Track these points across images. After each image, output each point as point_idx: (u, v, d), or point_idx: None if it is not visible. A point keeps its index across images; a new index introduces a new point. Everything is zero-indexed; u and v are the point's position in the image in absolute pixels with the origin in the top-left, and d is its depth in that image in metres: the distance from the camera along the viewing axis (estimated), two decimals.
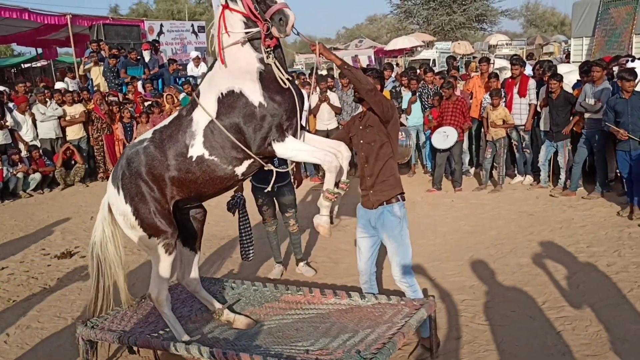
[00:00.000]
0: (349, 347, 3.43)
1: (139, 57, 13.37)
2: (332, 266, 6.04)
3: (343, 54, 25.44)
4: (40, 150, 10.90)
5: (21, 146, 10.81)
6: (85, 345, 3.98)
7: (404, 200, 4.03)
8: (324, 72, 15.40)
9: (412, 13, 39.13)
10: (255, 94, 3.49)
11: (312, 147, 3.67)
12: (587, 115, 7.66)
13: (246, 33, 3.49)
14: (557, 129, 8.06)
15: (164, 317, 3.96)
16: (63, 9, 25.82)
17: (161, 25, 18.45)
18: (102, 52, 13.68)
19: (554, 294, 4.93)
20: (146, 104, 11.82)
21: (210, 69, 3.80)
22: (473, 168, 10.00)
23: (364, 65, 21.25)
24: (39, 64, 21.81)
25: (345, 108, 9.98)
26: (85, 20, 16.23)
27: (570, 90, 8.39)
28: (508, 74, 9.46)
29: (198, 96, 3.72)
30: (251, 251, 5.01)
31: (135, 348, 4.18)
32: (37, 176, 10.74)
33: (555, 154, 8.28)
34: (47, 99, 11.26)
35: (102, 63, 13.30)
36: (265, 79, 3.53)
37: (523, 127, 8.67)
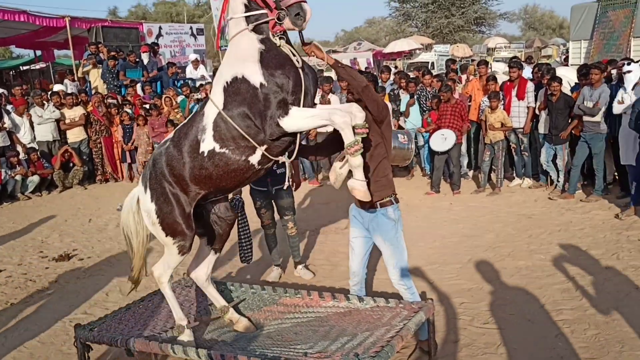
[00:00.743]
0: (347, 350, 3.43)
1: (137, 60, 13.38)
2: (331, 269, 6.04)
3: (342, 56, 25.49)
4: (39, 153, 10.90)
5: (19, 148, 10.80)
6: (83, 348, 3.98)
7: (397, 202, 4.01)
8: (330, 73, 14.79)
9: (411, 16, 39.28)
10: (255, 75, 3.40)
11: (318, 111, 3.48)
12: (585, 118, 7.67)
13: (247, 17, 3.45)
14: (557, 132, 8.07)
15: (164, 294, 4.05)
16: (62, 12, 25.86)
17: (160, 28, 18.48)
18: (101, 55, 13.68)
19: (553, 297, 4.93)
20: (145, 106, 11.82)
21: None
22: (471, 171, 10.01)
23: (362, 69, 21.28)
24: (37, 67, 21.80)
25: None
26: (84, 22, 16.22)
27: (569, 93, 8.41)
28: (502, 77, 9.47)
29: (210, 91, 3.74)
30: (250, 253, 5.01)
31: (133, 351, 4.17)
32: (35, 179, 10.73)
33: (554, 156, 8.29)
34: (44, 102, 11.24)
35: (100, 65, 13.31)
36: (266, 57, 3.42)
37: (521, 130, 8.68)
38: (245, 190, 5.14)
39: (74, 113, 11.42)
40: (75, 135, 11.44)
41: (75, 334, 4.01)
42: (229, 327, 4.18)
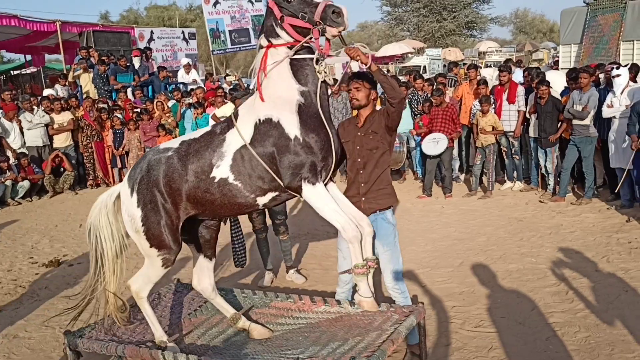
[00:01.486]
0: (338, 355, 3.42)
1: (128, 64, 13.34)
2: (323, 273, 6.03)
3: (334, 60, 25.48)
4: (29, 158, 10.83)
5: (9, 154, 10.72)
6: (73, 354, 3.94)
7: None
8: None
9: (403, 20, 39.43)
10: (292, 127, 3.39)
11: (338, 208, 3.50)
12: (575, 121, 7.72)
13: (289, 48, 3.43)
14: (546, 135, 8.12)
15: (142, 310, 3.88)
16: (53, 16, 25.76)
17: (151, 32, 18.43)
18: (92, 59, 13.63)
19: (543, 300, 4.95)
20: (136, 110, 11.79)
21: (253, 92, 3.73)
22: (463, 174, 10.04)
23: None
24: (28, 71, 21.68)
25: (336, 115, 9.99)
26: (75, 27, 16.16)
27: (558, 97, 8.47)
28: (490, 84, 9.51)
29: (236, 118, 3.62)
30: (244, 257, 5.01)
31: (123, 358, 4.13)
32: (25, 184, 10.65)
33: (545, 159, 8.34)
34: (33, 107, 11.16)
35: (91, 70, 13.26)
36: (304, 112, 3.43)
37: (512, 133, 8.73)
38: None
39: (63, 118, 11.36)
40: (61, 140, 11.37)
41: (65, 341, 3.98)
42: (219, 333, 4.15)
